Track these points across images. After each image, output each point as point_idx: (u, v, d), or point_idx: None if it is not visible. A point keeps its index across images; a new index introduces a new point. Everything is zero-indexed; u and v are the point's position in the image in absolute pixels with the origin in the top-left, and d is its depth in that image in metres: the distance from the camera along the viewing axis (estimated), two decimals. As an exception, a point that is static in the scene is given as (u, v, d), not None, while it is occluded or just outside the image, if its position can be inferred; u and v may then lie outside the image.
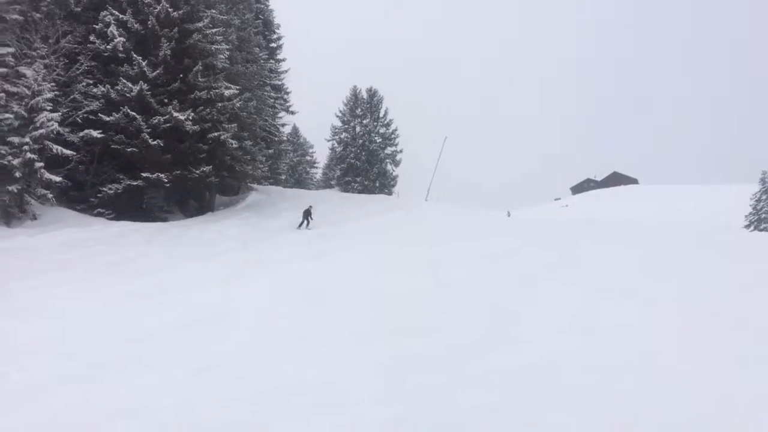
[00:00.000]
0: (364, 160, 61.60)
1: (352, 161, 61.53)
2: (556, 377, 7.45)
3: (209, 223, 28.42)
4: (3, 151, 24.28)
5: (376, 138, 62.86)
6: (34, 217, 25.81)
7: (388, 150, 63.06)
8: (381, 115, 63.32)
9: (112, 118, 28.76)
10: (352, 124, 63.05)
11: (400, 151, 62.80)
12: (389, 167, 63.24)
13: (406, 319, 10.97)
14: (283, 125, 52.07)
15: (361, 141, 62.24)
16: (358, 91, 63.55)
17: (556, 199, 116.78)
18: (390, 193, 59.61)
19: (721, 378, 7.33)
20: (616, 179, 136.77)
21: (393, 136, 63.11)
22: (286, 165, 61.43)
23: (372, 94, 63.62)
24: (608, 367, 7.77)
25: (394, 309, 11.80)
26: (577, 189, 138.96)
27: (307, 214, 28.07)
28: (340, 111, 63.36)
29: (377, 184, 61.58)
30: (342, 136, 63.21)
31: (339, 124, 63.43)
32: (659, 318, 10.30)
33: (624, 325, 9.81)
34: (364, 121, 63.03)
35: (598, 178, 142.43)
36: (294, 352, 9.25)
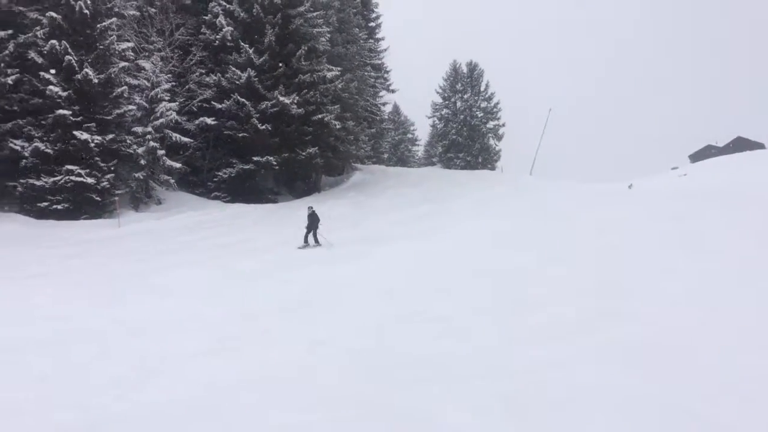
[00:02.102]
0: (466, 135, 60.89)
1: (454, 137, 61.00)
2: (673, 354, 7.11)
3: (317, 204, 29.18)
4: (129, 141, 26.17)
5: (478, 113, 61.90)
6: (159, 202, 27.70)
7: (490, 124, 61.95)
8: (482, 89, 62.17)
9: (223, 105, 30.20)
10: (452, 99, 62.40)
11: (503, 125, 61.52)
12: (492, 142, 62.17)
13: (516, 294, 10.82)
14: (384, 104, 52.40)
15: (462, 116, 61.54)
16: (458, 65, 62.68)
17: (673, 168, 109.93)
18: (493, 169, 58.61)
19: None
20: (740, 144, 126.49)
21: (495, 110, 61.86)
22: (388, 144, 61.87)
23: (472, 68, 62.56)
24: (730, 345, 7.31)
25: (504, 285, 11.67)
26: (697, 156, 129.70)
27: (313, 222, 18.72)
28: (440, 87, 62.81)
29: (480, 160, 60.74)
30: (443, 113, 62.71)
31: (439, 100, 62.93)
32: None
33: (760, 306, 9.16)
34: (465, 96, 62.19)
35: (720, 144, 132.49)
36: (406, 328, 9.40)
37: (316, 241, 18.57)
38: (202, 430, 5.90)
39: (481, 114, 61.94)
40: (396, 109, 67.91)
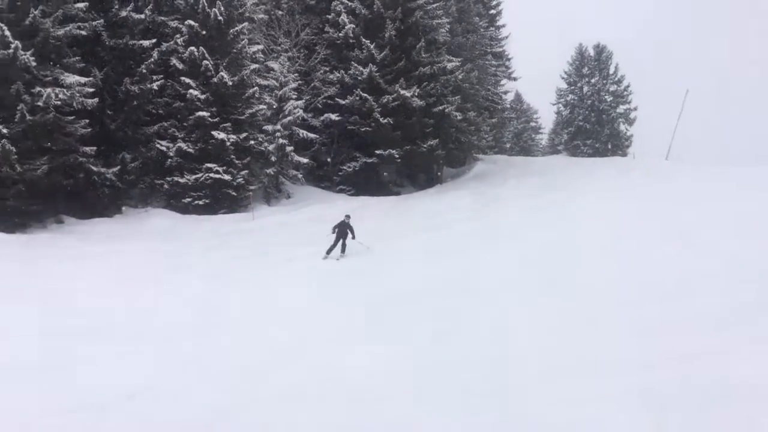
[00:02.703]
0: (594, 121, 58.32)
1: (580, 123, 58.63)
2: None
3: (439, 195, 29.29)
4: (260, 138, 27.59)
5: (606, 97, 59.02)
6: (288, 196, 29.04)
7: (620, 109, 58.86)
8: (611, 72, 59.15)
9: (347, 101, 31.01)
10: (578, 84, 59.95)
11: (634, 109, 58.24)
12: (622, 127, 59.10)
13: (661, 285, 10.21)
14: (505, 93, 51.33)
15: (589, 101, 58.98)
16: (584, 48, 60.02)
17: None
18: (624, 155, 55.67)
19: None
20: None
21: (625, 93, 58.66)
22: (510, 133, 60.70)
23: (599, 50, 59.66)
24: None
25: (645, 274, 11.07)
26: None
27: (344, 230, 16.73)
28: (565, 72, 60.53)
29: (609, 146, 57.98)
30: (568, 98, 60.46)
31: (564, 85, 60.70)
32: None
33: None
34: (592, 80, 59.50)
35: None
36: (537, 319, 9.20)
37: (341, 251, 16.66)
38: (336, 412, 6.12)
39: (610, 98, 59.00)
40: (518, 98, 66.27)
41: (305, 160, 28.98)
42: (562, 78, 60.72)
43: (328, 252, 16.42)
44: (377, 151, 31.15)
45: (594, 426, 5.26)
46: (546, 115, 69.23)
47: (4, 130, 19.54)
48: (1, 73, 19.93)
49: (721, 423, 4.97)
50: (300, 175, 29.22)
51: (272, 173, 28.12)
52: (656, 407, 5.44)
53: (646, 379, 6.13)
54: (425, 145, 31.52)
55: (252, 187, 26.91)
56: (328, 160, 32.52)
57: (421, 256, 15.49)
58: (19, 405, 6.28)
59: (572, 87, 60.27)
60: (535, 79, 61.79)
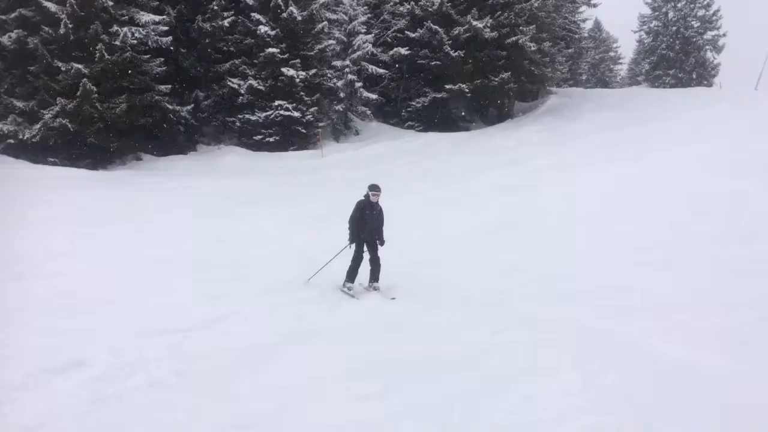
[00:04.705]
0: (678, 49, 54.70)
1: (663, 52, 55.14)
2: None
3: (510, 131, 28.56)
4: (329, 75, 27.47)
5: (693, 22, 55.02)
6: (357, 133, 29.06)
7: (708, 35, 54.86)
8: (700, -5, 54.87)
9: (416, 34, 30.27)
10: (663, 9, 56.00)
11: (723, 35, 54.13)
12: (709, 55, 55.21)
13: (734, 222, 9.75)
14: (584, 20, 48.57)
15: (674, 28, 55.18)
16: (671, -31, 55.76)
17: None
18: (709, 85, 52.25)
19: None
20: None
21: (714, 18, 54.47)
22: (587, 64, 57.84)
23: (689, -29, 55.28)
24: None
25: (718, 212, 10.57)
26: None
27: (372, 232, 8.92)
28: (650, -4, 56.63)
29: (694, 76, 54.44)
30: (651, 25, 56.76)
31: (648, 11, 56.91)
32: None
33: None
34: (678, 5, 55.43)
35: None
36: (598, 257, 9.01)
37: (372, 278, 8.97)
38: (384, 339, 6.21)
39: (698, 23, 54.98)
40: (597, 26, 62.73)
41: (374, 96, 28.78)
42: (646, 3, 56.92)
43: (350, 278, 8.89)
44: (447, 86, 30.48)
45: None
46: (627, 44, 65.53)
47: (85, 70, 20.26)
48: (80, 13, 20.50)
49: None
50: (369, 112, 29.11)
51: (341, 110, 28.14)
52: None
53: (715, 321, 5.91)
54: (497, 79, 30.56)
55: (321, 124, 27.05)
56: (397, 95, 32.15)
57: (496, 192, 15.31)
58: (110, 326, 6.59)
59: (656, 13, 56.45)
60: (617, 4, 58.23)
